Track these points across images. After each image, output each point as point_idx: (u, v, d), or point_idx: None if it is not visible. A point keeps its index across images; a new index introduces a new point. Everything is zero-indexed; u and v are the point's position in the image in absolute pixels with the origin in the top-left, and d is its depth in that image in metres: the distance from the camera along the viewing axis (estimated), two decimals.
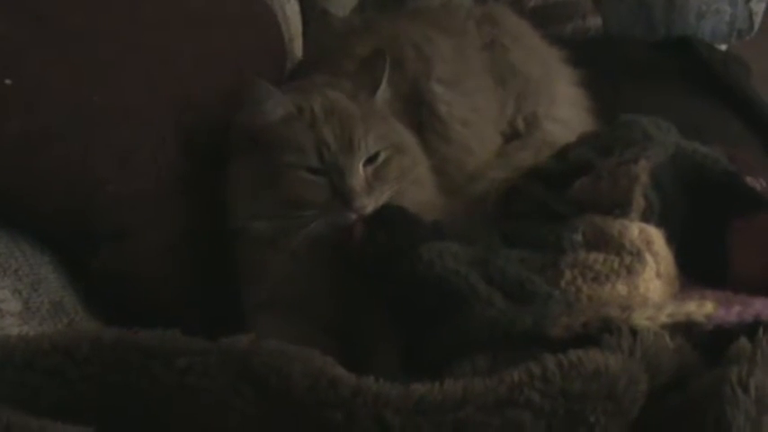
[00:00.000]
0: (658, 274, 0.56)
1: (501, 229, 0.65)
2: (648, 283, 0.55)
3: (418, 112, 0.80)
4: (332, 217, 0.65)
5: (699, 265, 0.59)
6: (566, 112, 0.89)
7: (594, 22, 1.09)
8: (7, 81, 0.59)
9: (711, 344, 0.50)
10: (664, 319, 0.49)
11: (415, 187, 0.71)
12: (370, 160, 0.67)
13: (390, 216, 0.65)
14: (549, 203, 0.66)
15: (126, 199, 0.67)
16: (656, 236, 0.58)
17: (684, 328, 0.50)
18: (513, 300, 0.53)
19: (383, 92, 0.70)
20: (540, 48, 0.92)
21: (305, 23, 1.07)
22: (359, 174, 0.66)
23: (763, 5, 1.09)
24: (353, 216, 0.65)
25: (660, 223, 0.59)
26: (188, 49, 0.75)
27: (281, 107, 0.66)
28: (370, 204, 0.65)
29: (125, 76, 0.68)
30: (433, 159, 0.77)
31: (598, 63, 0.93)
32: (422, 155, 0.74)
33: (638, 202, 0.59)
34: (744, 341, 0.47)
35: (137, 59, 0.70)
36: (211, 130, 0.72)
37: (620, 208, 0.60)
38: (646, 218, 0.60)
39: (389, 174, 0.68)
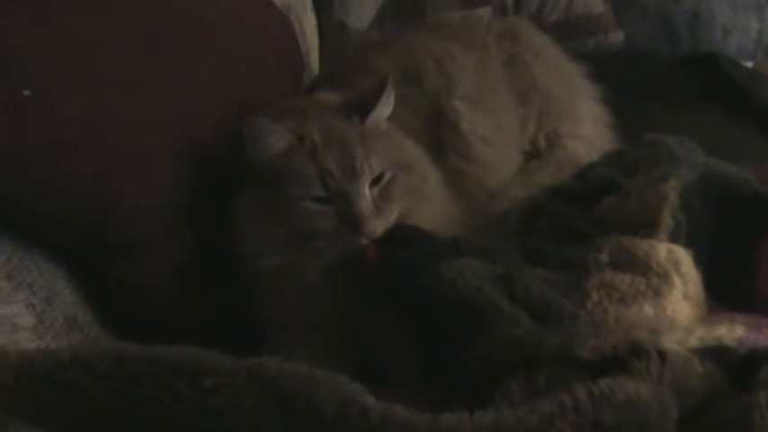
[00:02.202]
0: (686, 296, 0.56)
1: (523, 247, 0.65)
2: (676, 305, 0.55)
3: (439, 130, 0.80)
4: (343, 244, 0.66)
5: (725, 287, 0.59)
6: (588, 130, 0.90)
7: (617, 37, 1.10)
8: (26, 92, 0.61)
9: (742, 368, 0.50)
10: (694, 342, 0.50)
11: (425, 204, 0.71)
12: (376, 181, 0.67)
13: (404, 235, 0.65)
14: (573, 222, 0.67)
15: (142, 212, 0.68)
16: (684, 257, 0.58)
17: (714, 353, 0.50)
18: (539, 319, 0.54)
19: (377, 115, 0.70)
20: (561, 64, 0.93)
21: (321, 36, 1.09)
22: (365, 197, 0.66)
23: None
24: (365, 240, 0.65)
25: (688, 244, 0.60)
26: (205, 61, 0.76)
27: (283, 140, 0.67)
28: (380, 227, 0.66)
29: (143, 88, 0.70)
30: (454, 177, 0.78)
31: (621, 79, 0.94)
32: (431, 170, 0.74)
33: (666, 222, 0.60)
34: None
35: (154, 72, 0.71)
36: (231, 144, 0.72)
37: (646, 228, 0.61)
38: (673, 238, 0.60)
39: (396, 193, 0.68)
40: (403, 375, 0.59)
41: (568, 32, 1.07)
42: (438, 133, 0.81)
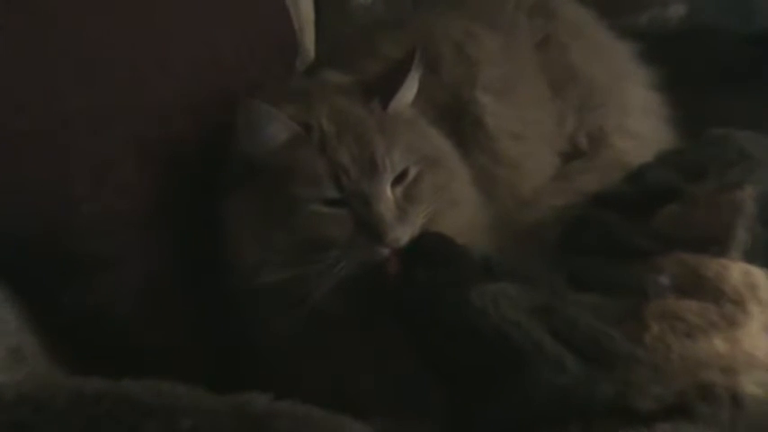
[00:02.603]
0: (766, 327, 0.55)
1: (566, 267, 0.65)
2: (753, 338, 0.54)
3: (459, 125, 0.80)
4: (360, 255, 0.65)
5: None
6: (639, 124, 0.89)
7: (677, 10, 1.06)
8: None
9: None
10: None
11: (454, 207, 0.71)
12: (399, 179, 0.67)
13: (431, 248, 0.64)
14: (626, 237, 0.66)
15: (105, 221, 0.68)
16: (763, 279, 0.58)
17: None
18: (587, 360, 0.53)
19: (401, 99, 0.69)
20: (606, 44, 0.93)
21: (318, 11, 1.09)
22: (387, 198, 0.66)
23: None
24: (386, 251, 0.65)
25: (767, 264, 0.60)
26: (181, 43, 0.76)
27: (285, 129, 0.66)
28: (404, 234, 0.65)
29: (106, 74, 0.69)
30: (481, 179, 0.77)
31: (681, 62, 0.91)
32: (460, 165, 0.75)
33: (741, 236, 0.60)
34: None
35: (120, 54, 0.71)
36: (210, 140, 0.72)
37: (717, 244, 0.60)
38: (749, 257, 0.60)
39: (423, 193, 0.67)
40: (421, 406, 0.59)
41: (616, 6, 1.03)
42: (459, 128, 0.80)
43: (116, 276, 0.69)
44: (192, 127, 0.74)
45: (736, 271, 0.58)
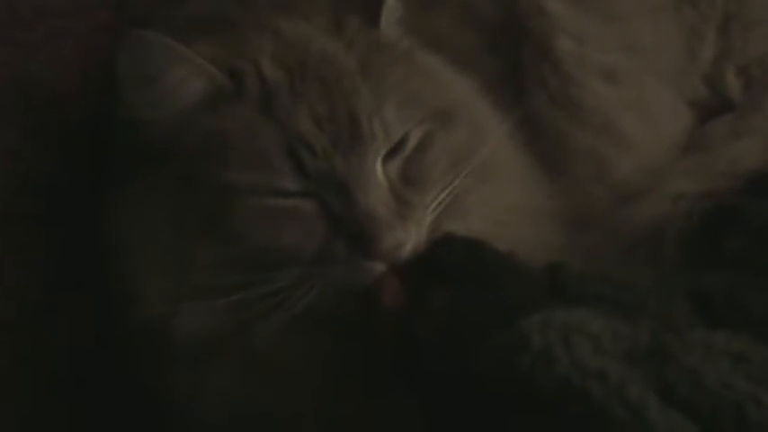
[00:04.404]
0: None
1: (693, 287, 0.63)
2: None
3: (513, 56, 0.76)
4: (337, 275, 0.62)
5: None
6: None
7: None
8: None
9: None
10: None
11: (487, 181, 0.67)
12: (394, 151, 0.63)
13: (454, 257, 0.62)
14: None
15: None
16: None
17: None
18: None
19: (389, 15, 0.65)
20: None
21: None
22: (378, 183, 0.62)
23: None
24: (380, 267, 0.61)
25: None
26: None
27: (199, 79, 0.62)
28: (408, 239, 0.62)
29: None
30: (547, 153, 0.74)
31: None
32: (493, 119, 0.69)
33: None
34: None
35: None
36: (74, 105, 0.70)
37: None
38: None
39: (434, 168, 0.64)
40: None
41: None
42: (512, 62, 0.77)
43: None
44: (75, 114, 0.73)
45: None
